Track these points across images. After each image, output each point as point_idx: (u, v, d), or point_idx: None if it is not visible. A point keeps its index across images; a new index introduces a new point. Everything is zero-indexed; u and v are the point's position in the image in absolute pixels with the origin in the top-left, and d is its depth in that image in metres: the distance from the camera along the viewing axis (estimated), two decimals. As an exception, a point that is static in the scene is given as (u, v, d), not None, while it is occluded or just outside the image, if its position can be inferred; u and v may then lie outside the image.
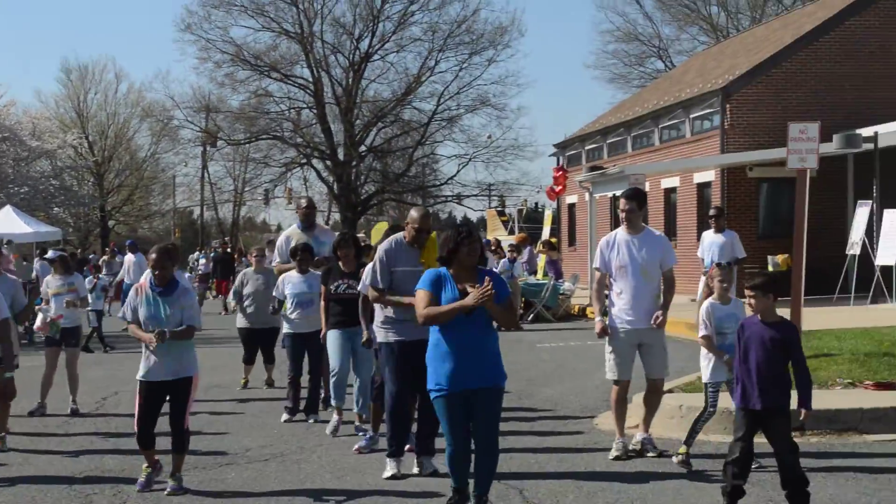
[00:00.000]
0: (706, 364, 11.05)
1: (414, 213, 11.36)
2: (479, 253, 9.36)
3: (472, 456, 9.26)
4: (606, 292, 11.89)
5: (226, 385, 18.06)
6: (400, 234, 11.40)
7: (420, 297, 9.25)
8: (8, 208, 40.11)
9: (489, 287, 8.83)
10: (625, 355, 11.78)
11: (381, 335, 11.30)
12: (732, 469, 9.08)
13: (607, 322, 11.79)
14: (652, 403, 12.03)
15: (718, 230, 17.73)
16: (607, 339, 11.82)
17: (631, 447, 11.75)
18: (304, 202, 16.67)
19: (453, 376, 9.04)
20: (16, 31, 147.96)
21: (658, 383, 12.00)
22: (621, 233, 11.92)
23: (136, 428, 10.63)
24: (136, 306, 10.73)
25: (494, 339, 9.31)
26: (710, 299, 11.10)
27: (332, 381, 13.79)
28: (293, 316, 14.98)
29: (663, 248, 11.97)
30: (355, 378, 13.50)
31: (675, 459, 11.04)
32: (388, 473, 10.92)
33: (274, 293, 15.69)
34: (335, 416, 13.59)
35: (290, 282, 15.10)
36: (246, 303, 17.67)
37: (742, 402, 9.09)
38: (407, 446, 11.32)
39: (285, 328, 15.18)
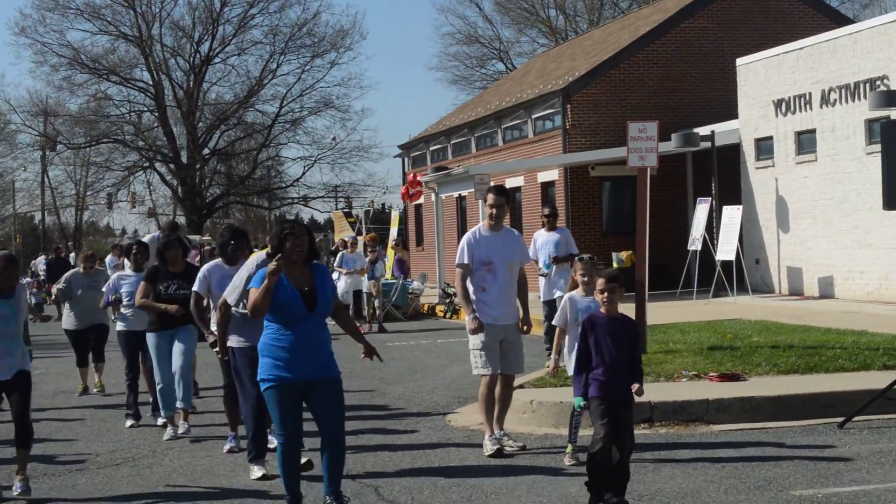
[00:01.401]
0: (571, 357, 11.06)
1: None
2: (304, 247, 9.37)
3: (322, 455, 9.28)
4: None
5: (71, 391, 17.76)
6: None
7: (251, 295, 9.30)
8: None
9: (279, 261, 8.93)
10: (493, 349, 11.75)
11: (233, 341, 11.29)
12: (596, 459, 9.15)
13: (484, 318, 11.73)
14: (507, 398, 12.14)
15: (551, 228, 18.10)
16: (472, 335, 11.78)
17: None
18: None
19: (289, 367, 9.10)
20: None
21: (511, 379, 12.14)
22: (484, 230, 11.97)
23: None
24: None
25: (328, 336, 9.41)
26: (572, 292, 11.30)
27: (158, 390, 13.78)
28: (128, 313, 14.82)
29: (522, 246, 12.19)
30: (174, 372, 13.47)
31: (566, 461, 11.12)
32: (257, 475, 10.87)
33: (104, 289, 15.59)
34: (169, 428, 13.51)
35: (127, 280, 14.92)
36: (72, 304, 17.35)
37: (601, 393, 9.23)
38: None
39: (119, 326, 14.93)
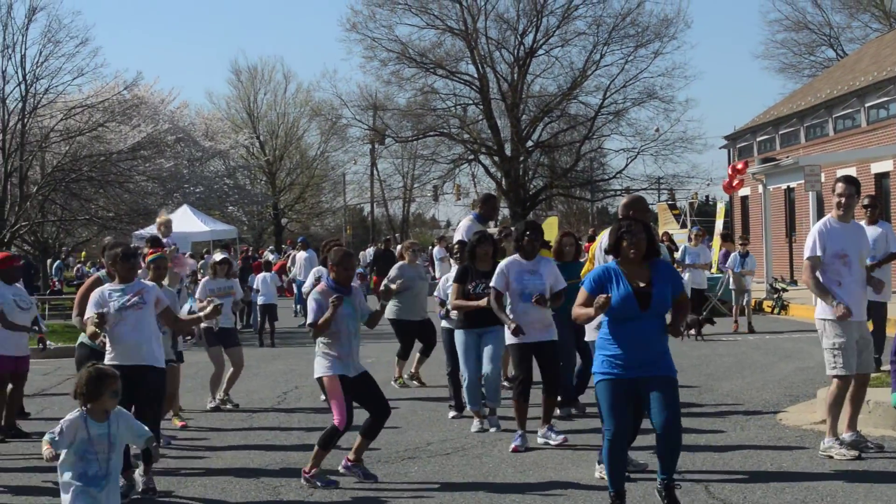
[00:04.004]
0: None
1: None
2: (642, 245, 9.24)
3: (657, 450, 9.17)
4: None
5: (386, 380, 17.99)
6: None
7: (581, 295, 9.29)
8: (185, 207, 41.11)
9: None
10: (852, 348, 11.17)
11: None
12: None
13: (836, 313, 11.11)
14: (861, 399, 11.59)
15: (872, 221, 16.16)
16: (830, 331, 11.20)
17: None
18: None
19: (620, 363, 9.07)
20: (186, 34, 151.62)
21: (867, 378, 11.60)
22: (834, 220, 11.42)
23: (344, 422, 10.76)
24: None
25: (663, 334, 9.26)
26: None
27: (464, 386, 13.93)
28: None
29: (866, 238, 11.70)
30: (484, 377, 13.53)
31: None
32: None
33: (437, 294, 15.80)
34: (476, 421, 13.64)
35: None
36: (400, 296, 17.50)
37: None
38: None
39: (444, 324, 15.08)
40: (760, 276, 32.35)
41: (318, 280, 14.99)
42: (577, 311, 9.33)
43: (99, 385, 7.67)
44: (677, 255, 25.87)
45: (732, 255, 26.53)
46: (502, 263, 12.56)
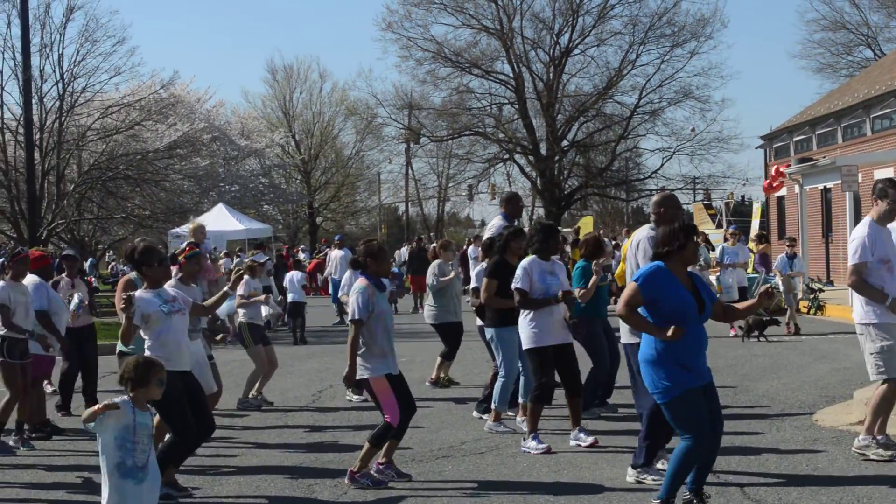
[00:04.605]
0: None
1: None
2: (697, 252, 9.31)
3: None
4: None
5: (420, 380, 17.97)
6: None
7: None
8: (220, 206, 41.29)
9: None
10: None
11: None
12: None
13: (889, 316, 10.94)
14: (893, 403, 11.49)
15: None
16: (876, 335, 10.98)
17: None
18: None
19: (695, 373, 8.96)
20: (222, 33, 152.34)
21: None
22: (875, 224, 11.19)
23: (398, 420, 10.75)
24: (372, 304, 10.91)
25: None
26: None
27: (500, 384, 13.48)
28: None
29: None
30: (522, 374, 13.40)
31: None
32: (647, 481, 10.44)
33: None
34: (490, 421, 13.57)
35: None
36: (440, 298, 17.54)
37: None
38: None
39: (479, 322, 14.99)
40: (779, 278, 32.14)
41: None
42: (628, 311, 9.06)
43: (147, 372, 7.62)
44: (714, 254, 25.39)
45: (780, 256, 26.23)
46: (524, 263, 12.49)
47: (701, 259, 23.43)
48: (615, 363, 14.60)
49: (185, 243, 14.34)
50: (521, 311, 12.40)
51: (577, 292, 13.20)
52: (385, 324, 10.85)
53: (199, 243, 16.72)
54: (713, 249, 28.44)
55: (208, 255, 16.82)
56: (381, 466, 10.88)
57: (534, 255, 12.51)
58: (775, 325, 23.15)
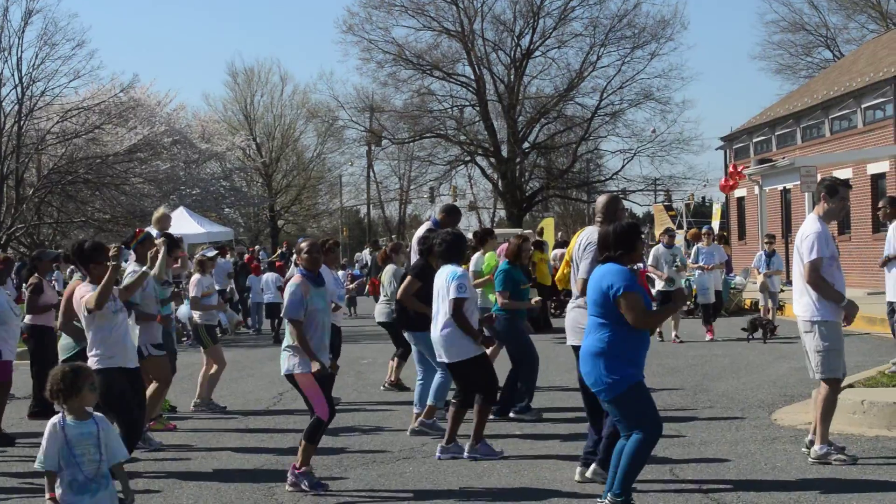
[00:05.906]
0: None
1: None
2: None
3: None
4: None
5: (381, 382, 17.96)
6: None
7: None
8: (181, 209, 41.08)
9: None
10: (843, 351, 11.02)
11: None
12: None
13: (838, 315, 10.96)
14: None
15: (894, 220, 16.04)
16: (823, 333, 10.92)
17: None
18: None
19: (640, 368, 9.09)
20: (183, 36, 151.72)
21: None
22: (823, 223, 11.18)
23: (327, 415, 10.71)
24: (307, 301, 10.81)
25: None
26: None
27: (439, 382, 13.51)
28: None
29: None
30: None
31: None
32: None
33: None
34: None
35: None
36: (392, 297, 17.47)
37: None
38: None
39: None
40: (756, 277, 32.29)
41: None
42: (646, 316, 9.05)
43: (76, 379, 7.33)
44: (689, 258, 24.93)
45: (758, 254, 26.23)
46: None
47: (677, 260, 23.45)
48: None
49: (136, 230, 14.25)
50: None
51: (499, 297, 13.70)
52: (318, 321, 10.72)
53: (165, 230, 16.56)
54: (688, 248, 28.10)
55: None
56: (297, 472, 10.72)
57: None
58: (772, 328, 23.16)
